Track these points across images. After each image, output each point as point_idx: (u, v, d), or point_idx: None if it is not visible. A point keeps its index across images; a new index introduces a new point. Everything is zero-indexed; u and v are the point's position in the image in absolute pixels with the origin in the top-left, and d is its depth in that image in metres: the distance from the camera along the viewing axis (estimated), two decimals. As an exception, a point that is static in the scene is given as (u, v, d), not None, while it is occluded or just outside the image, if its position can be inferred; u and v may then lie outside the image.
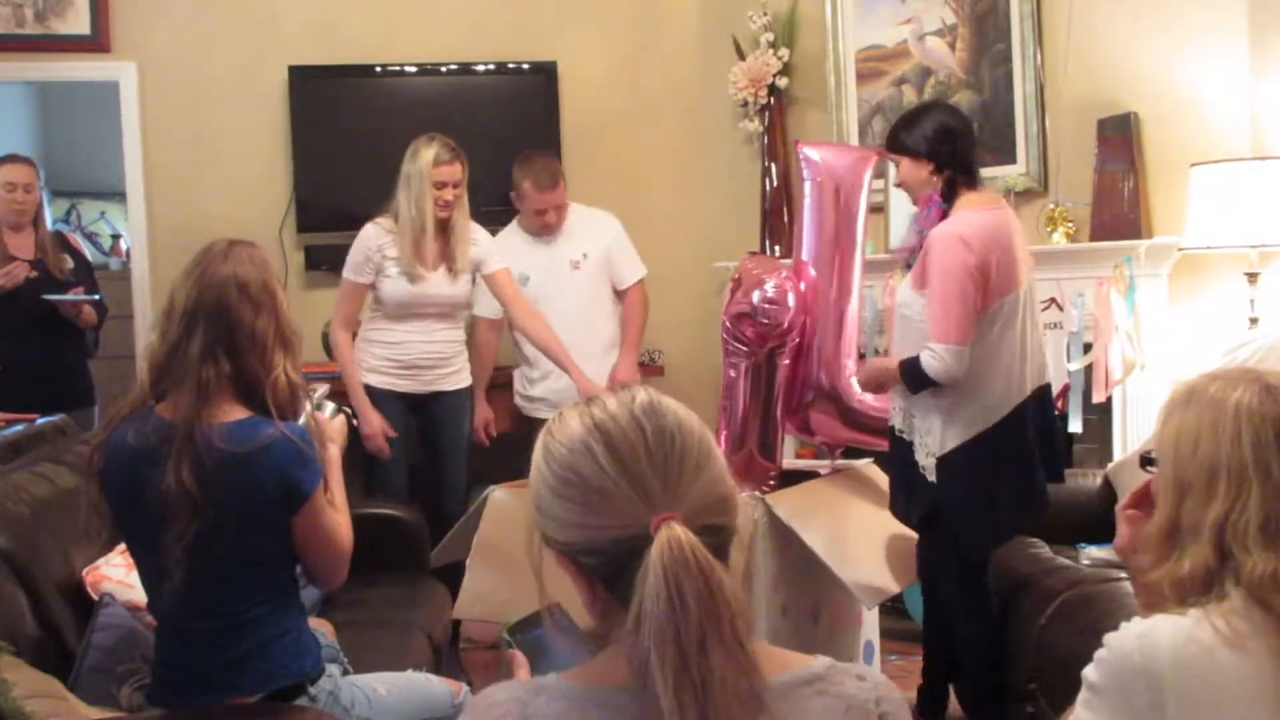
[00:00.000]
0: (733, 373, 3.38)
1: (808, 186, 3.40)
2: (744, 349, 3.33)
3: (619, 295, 4.48)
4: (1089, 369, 3.99)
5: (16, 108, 6.86)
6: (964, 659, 3.19)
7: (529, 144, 4.54)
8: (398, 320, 3.95)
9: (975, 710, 3.19)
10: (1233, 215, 3.68)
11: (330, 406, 2.47)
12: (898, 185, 3.23)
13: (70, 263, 4.54)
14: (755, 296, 3.28)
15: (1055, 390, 4.05)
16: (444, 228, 3.90)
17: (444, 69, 5.11)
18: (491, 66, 5.12)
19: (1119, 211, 3.97)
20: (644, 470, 1.14)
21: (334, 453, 2.34)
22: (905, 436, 3.08)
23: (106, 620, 2.47)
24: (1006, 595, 3.20)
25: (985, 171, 4.32)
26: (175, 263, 2.41)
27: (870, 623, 3.59)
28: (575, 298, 4.32)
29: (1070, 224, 4.10)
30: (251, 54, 5.01)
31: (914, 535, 3.28)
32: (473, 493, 3.69)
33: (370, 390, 3.94)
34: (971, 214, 3.00)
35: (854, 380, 3.41)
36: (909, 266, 3.13)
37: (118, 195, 5.87)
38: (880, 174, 4.58)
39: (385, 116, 4.86)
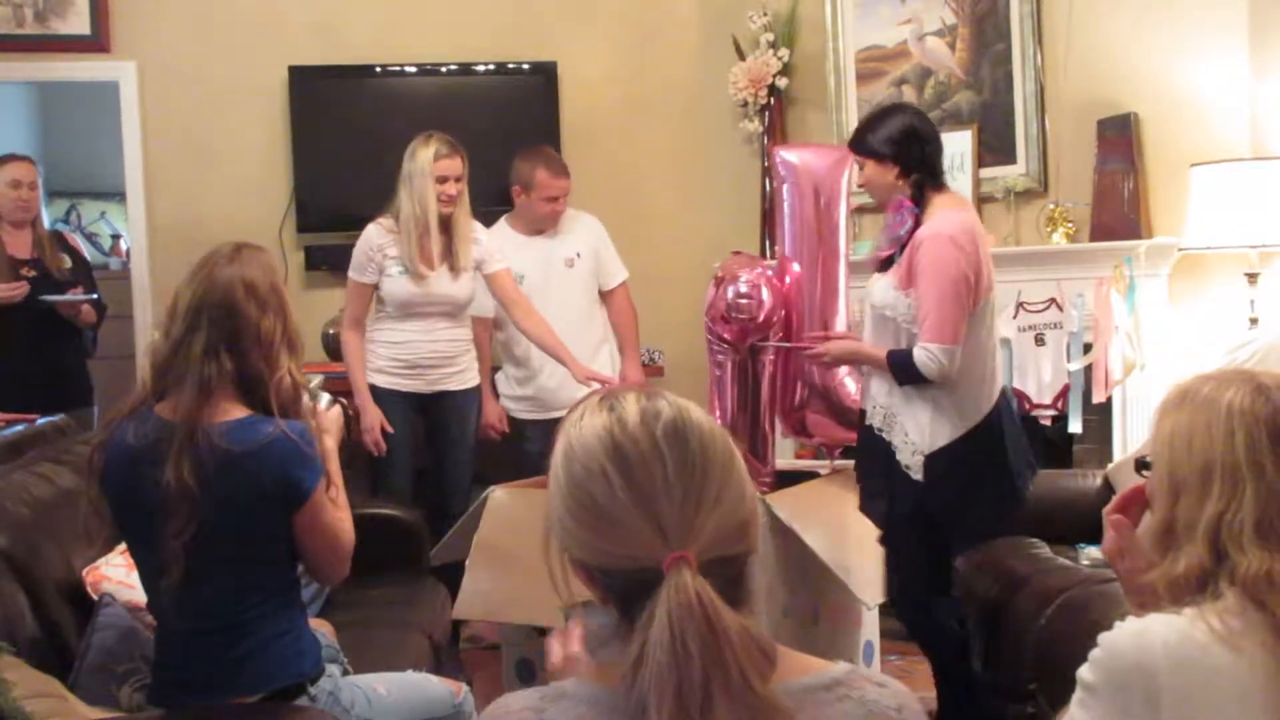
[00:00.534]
0: (718, 372, 3.39)
1: (786, 189, 3.40)
2: (727, 347, 3.34)
3: (603, 297, 4.48)
4: (1089, 369, 3.99)
5: (16, 108, 6.85)
6: (936, 662, 3.18)
7: (529, 144, 4.54)
8: (402, 320, 3.95)
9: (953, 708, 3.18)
10: (1232, 215, 3.68)
11: (326, 398, 2.47)
12: (860, 186, 3.21)
13: (69, 262, 4.54)
14: (729, 292, 3.30)
15: (1055, 391, 4.08)
16: (446, 226, 3.91)
17: (444, 69, 5.11)
18: (491, 66, 5.12)
19: (1119, 212, 3.97)
20: (660, 503, 1.10)
21: (330, 444, 2.34)
22: (885, 436, 3.07)
23: (106, 620, 2.47)
24: (1006, 595, 3.19)
25: (985, 172, 4.37)
26: (175, 263, 2.42)
27: (870, 623, 3.59)
28: (569, 295, 4.32)
29: (1070, 224, 4.10)
30: (251, 54, 5.01)
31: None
32: (475, 493, 3.69)
33: (376, 391, 3.94)
34: (953, 214, 2.99)
35: (847, 380, 3.41)
36: (883, 268, 3.12)
37: (118, 195, 5.87)
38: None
39: (385, 116, 4.86)
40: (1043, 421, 4.16)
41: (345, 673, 2.45)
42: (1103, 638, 1.42)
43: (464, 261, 3.93)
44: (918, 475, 2.99)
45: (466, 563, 3.17)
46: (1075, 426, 4.05)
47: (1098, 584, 3.01)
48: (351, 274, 3.96)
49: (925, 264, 2.93)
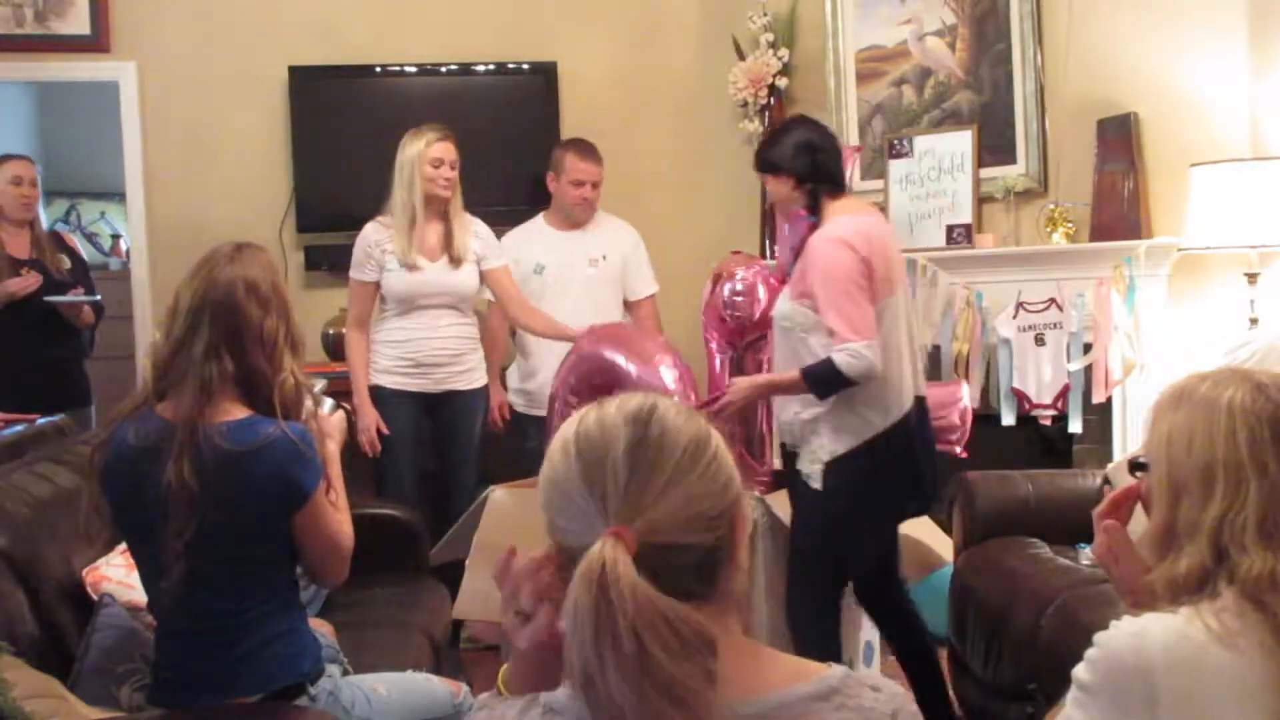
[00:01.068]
0: (716, 370, 3.40)
1: None
2: (726, 345, 3.35)
3: (628, 307, 4.47)
4: (1089, 369, 3.99)
5: (16, 108, 6.85)
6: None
7: (529, 144, 4.55)
8: (404, 316, 3.95)
9: None
10: (1232, 215, 3.68)
11: (329, 402, 2.48)
12: (770, 204, 3.24)
13: (68, 262, 4.55)
14: (725, 290, 3.30)
15: (1055, 391, 4.08)
16: (444, 214, 3.91)
17: (444, 69, 5.11)
18: (491, 66, 5.12)
19: (1119, 212, 3.97)
20: (606, 481, 1.12)
21: (332, 449, 2.34)
22: (794, 449, 3.07)
23: (106, 620, 2.47)
24: (1006, 595, 3.19)
25: (985, 171, 4.37)
26: (175, 263, 2.42)
27: (869, 623, 3.59)
28: (587, 293, 4.30)
29: (1070, 224, 4.10)
30: (251, 54, 5.01)
31: (914, 534, 3.28)
32: (478, 492, 3.69)
33: (383, 392, 3.94)
34: (846, 219, 2.99)
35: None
36: (785, 279, 3.12)
37: (117, 195, 5.87)
38: (880, 174, 4.60)
39: (385, 116, 4.85)
40: (1043, 421, 4.17)
41: (345, 673, 2.45)
42: (1099, 638, 1.41)
43: (460, 249, 3.93)
44: (817, 484, 2.98)
45: (466, 562, 3.17)
46: (1075, 426, 4.05)
47: (1097, 584, 3.00)
48: (352, 273, 3.97)
49: (816, 270, 2.92)
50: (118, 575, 2.59)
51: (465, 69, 5.10)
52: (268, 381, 2.19)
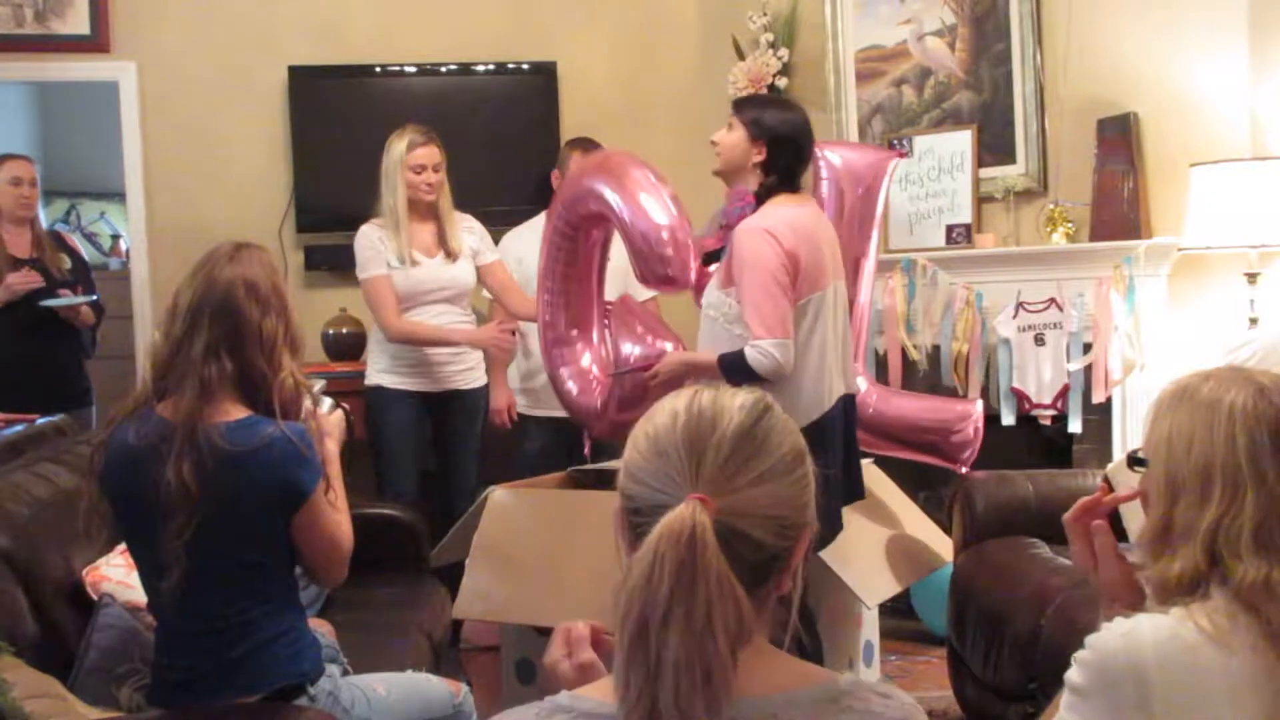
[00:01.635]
0: None
1: (825, 186, 3.38)
2: None
3: None
4: (1089, 369, 4.00)
5: (16, 108, 6.85)
6: None
7: (529, 144, 4.54)
8: (405, 314, 3.94)
9: None
10: (1232, 215, 3.68)
11: (328, 402, 2.47)
12: (714, 141, 3.08)
13: (68, 262, 4.55)
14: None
15: (1055, 391, 4.08)
16: (434, 214, 3.92)
17: (444, 69, 5.11)
18: (491, 66, 5.12)
19: (1119, 211, 3.97)
20: (707, 451, 1.14)
21: (331, 448, 2.34)
22: None
23: (106, 620, 2.47)
24: (1006, 595, 3.19)
25: (985, 171, 4.37)
26: (175, 263, 2.42)
27: (870, 623, 3.59)
28: None
29: (1070, 224, 4.10)
30: (251, 54, 5.01)
31: (914, 534, 3.27)
32: (478, 492, 3.69)
33: (384, 392, 3.94)
34: (779, 209, 2.95)
35: (859, 383, 3.38)
36: (709, 262, 3.07)
37: (117, 195, 5.87)
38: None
39: (385, 116, 4.83)
40: (1043, 421, 4.17)
41: (345, 673, 2.45)
42: (1089, 640, 1.41)
43: (454, 244, 3.93)
44: None
45: (466, 562, 3.17)
46: (1075, 426, 4.05)
47: (1097, 584, 3.00)
48: (367, 273, 3.92)
49: (739, 261, 2.89)
50: (118, 575, 2.59)
51: (465, 69, 5.10)
52: (267, 381, 2.19)
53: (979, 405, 3.67)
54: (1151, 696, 1.35)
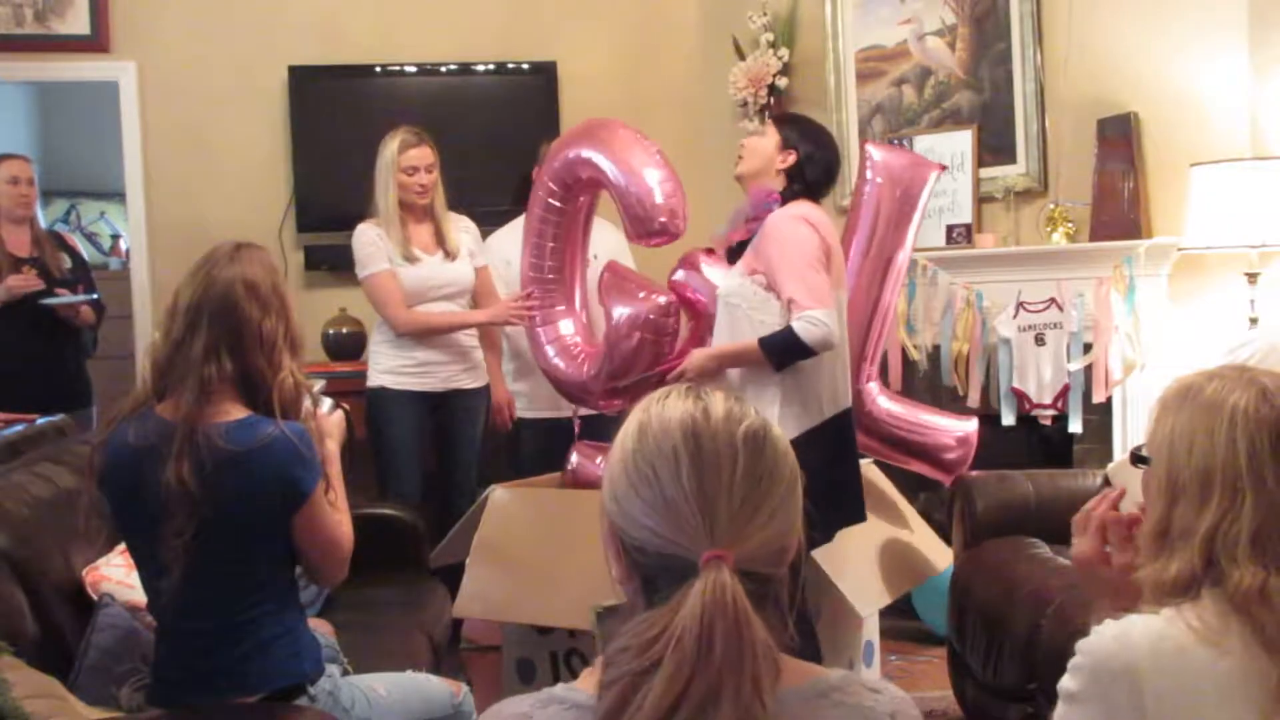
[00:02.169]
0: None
1: (869, 188, 3.39)
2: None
3: None
4: (1089, 369, 3.99)
5: (16, 108, 6.86)
6: None
7: (529, 144, 4.51)
8: None
9: None
10: (1232, 215, 3.68)
11: (328, 402, 2.47)
12: (741, 146, 3.17)
13: (68, 262, 4.55)
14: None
15: (1055, 391, 4.08)
16: (429, 214, 3.92)
17: (444, 69, 5.11)
18: (491, 66, 5.12)
19: (1119, 211, 3.97)
20: (719, 502, 1.12)
21: (332, 449, 2.34)
22: None
23: (106, 620, 2.47)
24: (1006, 595, 3.19)
25: (985, 171, 4.37)
26: (175, 263, 2.42)
27: (870, 623, 3.58)
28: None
29: (1070, 224, 4.10)
30: (251, 54, 5.01)
31: (910, 540, 3.26)
32: (479, 492, 3.69)
33: (386, 393, 3.93)
34: (805, 206, 2.99)
35: (871, 387, 3.39)
36: (731, 257, 3.08)
37: (117, 195, 5.88)
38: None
39: (385, 116, 4.83)
40: (1043, 421, 4.17)
41: (345, 673, 2.45)
42: (1082, 645, 1.41)
43: (452, 243, 3.93)
44: None
45: (467, 562, 3.17)
46: (1075, 426, 4.05)
47: (1098, 584, 3.00)
48: (368, 271, 3.91)
49: (779, 242, 2.89)
50: (118, 575, 2.59)
51: (465, 69, 5.10)
52: (267, 381, 2.19)
53: (974, 423, 3.64)
54: (1145, 697, 1.35)
